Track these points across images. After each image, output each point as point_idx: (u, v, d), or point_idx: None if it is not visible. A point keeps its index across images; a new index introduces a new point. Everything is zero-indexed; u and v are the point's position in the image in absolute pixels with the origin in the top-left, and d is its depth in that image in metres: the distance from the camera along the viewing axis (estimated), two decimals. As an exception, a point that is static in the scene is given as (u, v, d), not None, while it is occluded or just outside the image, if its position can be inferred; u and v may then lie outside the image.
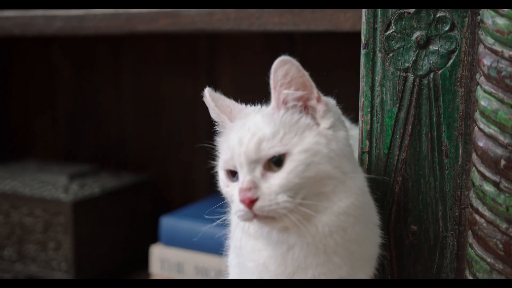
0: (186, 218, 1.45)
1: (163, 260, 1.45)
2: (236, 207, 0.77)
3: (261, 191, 0.75)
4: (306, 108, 0.80)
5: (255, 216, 0.76)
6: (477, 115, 0.83)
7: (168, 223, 1.46)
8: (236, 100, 0.86)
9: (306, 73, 0.79)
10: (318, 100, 0.80)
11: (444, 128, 0.87)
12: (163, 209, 1.65)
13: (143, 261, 1.56)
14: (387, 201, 0.91)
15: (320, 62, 1.48)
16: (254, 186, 0.75)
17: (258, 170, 0.76)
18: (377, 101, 0.90)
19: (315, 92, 0.80)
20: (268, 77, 0.80)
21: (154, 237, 1.57)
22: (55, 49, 1.91)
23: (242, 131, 0.78)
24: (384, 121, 0.90)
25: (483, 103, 0.81)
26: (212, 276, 1.39)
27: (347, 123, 0.94)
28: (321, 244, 0.79)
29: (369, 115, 0.91)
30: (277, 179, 0.76)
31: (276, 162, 0.76)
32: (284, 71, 0.78)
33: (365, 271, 0.85)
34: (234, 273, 0.90)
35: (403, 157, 0.90)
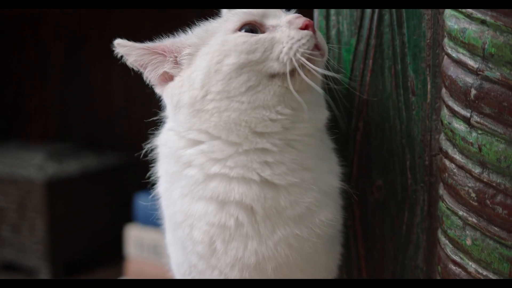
0: (163, 196, 1.34)
1: (138, 241, 1.34)
2: (296, 36, 0.68)
3: None
4: None
5: (316, 45, 0.68)
6: (445, 40, 0.69)
7: (144, 200, 1.35)
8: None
9: None
10: None
11: (409, 60, 0.74)
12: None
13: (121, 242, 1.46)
14: (348, 152, 0.78)
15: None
16: None
17: None
18: (333, 32, 0.77)
19: None
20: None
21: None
22: (44, 28, 1.84)
23: None
24: (341, 55, 0.77)
25: (449, 22, 0.67)
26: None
27: None
28: None
29: (325, 49, 0.78)
30: None
31: None
32: None
33: None
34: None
35: (364, 97, 0.76)
